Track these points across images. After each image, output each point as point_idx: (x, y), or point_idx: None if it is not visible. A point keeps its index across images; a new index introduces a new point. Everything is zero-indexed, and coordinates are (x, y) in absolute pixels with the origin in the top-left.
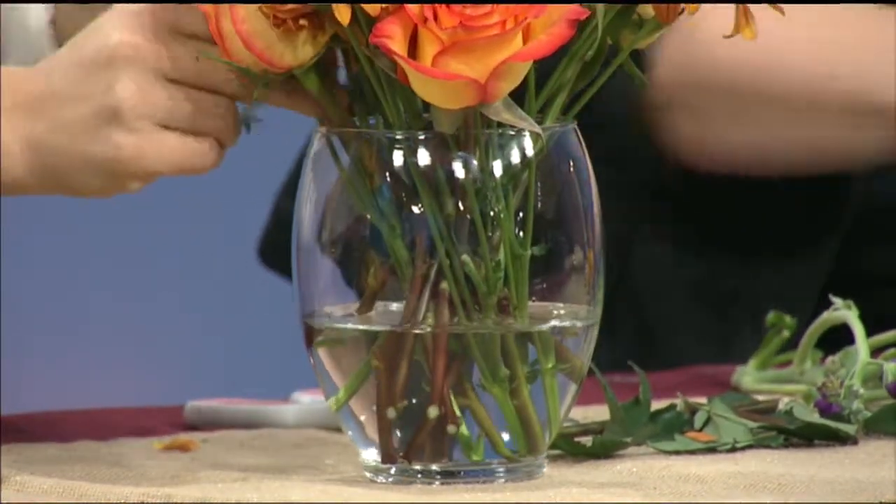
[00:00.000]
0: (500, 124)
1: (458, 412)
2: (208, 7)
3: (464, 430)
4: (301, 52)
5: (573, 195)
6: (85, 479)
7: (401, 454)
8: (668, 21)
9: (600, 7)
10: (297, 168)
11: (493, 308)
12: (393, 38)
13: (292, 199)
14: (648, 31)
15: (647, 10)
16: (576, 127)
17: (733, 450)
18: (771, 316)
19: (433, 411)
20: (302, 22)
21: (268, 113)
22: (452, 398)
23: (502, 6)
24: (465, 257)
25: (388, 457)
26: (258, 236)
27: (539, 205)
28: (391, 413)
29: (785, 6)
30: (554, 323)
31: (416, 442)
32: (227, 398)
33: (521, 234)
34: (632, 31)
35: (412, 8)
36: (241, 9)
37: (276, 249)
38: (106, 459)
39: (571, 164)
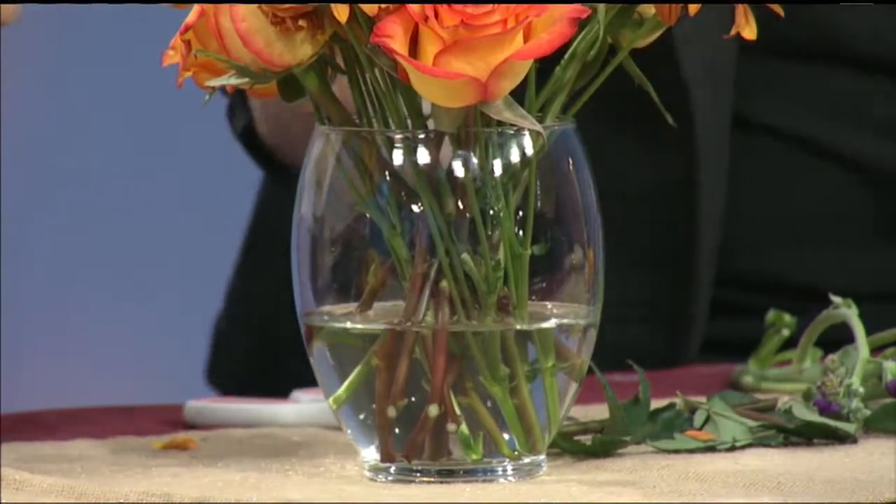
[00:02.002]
0: (499, 123)
1: (458, 411)
2: (208, 6)
3: (463, 428)
4: (300, 50)
5: (573, 194)
6: (84, 478)
7: (400, 453)
8: (671, 21)
9: (601, 7)
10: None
11: (492, 307)
12: (394, 37)
13: (230, 322)
14: (648, 29)
15: (648, 9)
16: (575, 126)
17: (733, 448)
18: (770, 315)
19: (433, 410)
20: (301, 23)
21: None
22: (453, 397)
23: (503, 5)
24: (465, 256)
25: (387, 456)
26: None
27: (539, 204)
28: (391, 412)
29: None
30: (554, 321)
31: (416, 441)
32: (227, 397)
33: (521, 232)
34: (632, 30)
35: (413, 7)
36: (241, 7)
37: (219, 372)
38: (105, 458)
39: (571, 162)
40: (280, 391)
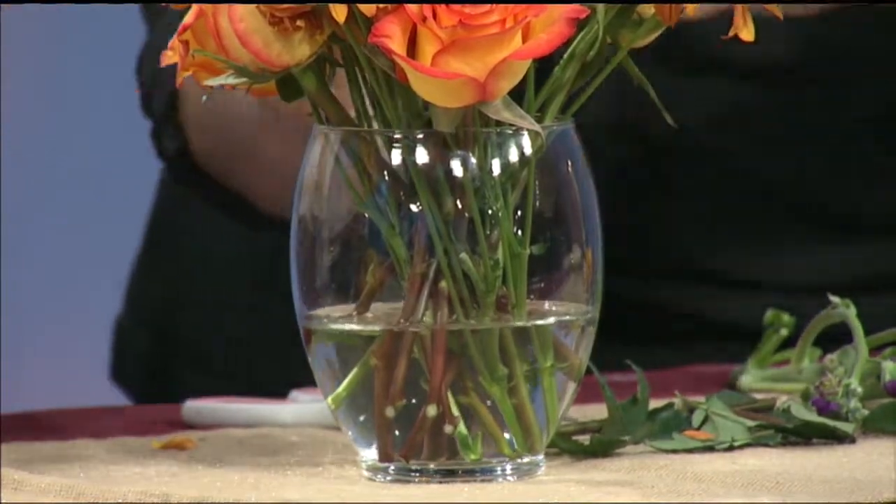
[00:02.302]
0: (498, 123)
1: (455, 412)
2: (206, 6)
3: (462, 428)
4: (298, 50)
5: (572, 194)
6: (83, 477)
7: (399, 453)
8: (671, 22)
9: (600, 7)
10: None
11: (491, 306)
12: (392, 37)
13: (133, 318)
14: (647, 29)
15: (647, 9)
16: (574, 125)
17: (731, 448)
18: (769, 314)
19: (432, 410)
20: (299, 23)
21: None
22: (451, 397)
23: (501, 6)
24: (464, 256)
25: (386, 456)
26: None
27: (538, 203)
28: (389, 412)
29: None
30: (552, 320)
31: (414, 441)
32: (225, 397)
33: (520, 232)
34: (631, 31)
35: (411, 7)
36: (239, 7)
37: (122, 371)
38: (104, 458)
39: (570, 162)
40: (180, 390)
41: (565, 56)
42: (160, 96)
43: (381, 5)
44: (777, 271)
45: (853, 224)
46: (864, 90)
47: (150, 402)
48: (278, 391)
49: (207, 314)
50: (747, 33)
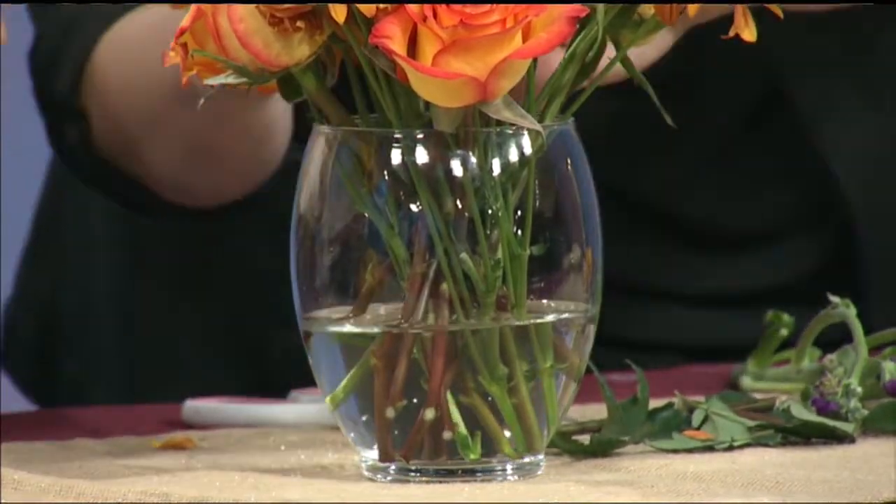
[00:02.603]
0: (498, 122)
1: (454, 415)
2: (206, 6)
3: (461, 429)
4: (298, 51)
5: (571, 193)
6: (82, 477)
7: (399, 453)
8: (671, 22)
9: (600, 7)
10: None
11: (491, 306)
12: (392, 38)
13: (21, 305)
14: (647, 29)
15: (647, 9)
16: (574, 125)
17: (731, 448)
18: (769, 315)
19: (430, 413)
20: (299, 24)
21: None
22: (450, 399)
23: (502, 5)
24: (464, 256)
25: (386, 456)
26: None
27: (537, 203)
28: (390, 413)
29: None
30: (551, 316)
31: (414, 441)
32: (225, 396)
33: (520, 232)
34: (631, 31)
35: (412, 7)
36: (239, 8)
37: (12, 358)
38: (103, 458)
39: (570, 162)
40: (65, 379)
41: (565, 56)
42: (61, 83)
43: (381, 6)
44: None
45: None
46: (716, 99)
47: (35, 389)
48: (166, 382)
49: (90, 302)
50: (749, 34)
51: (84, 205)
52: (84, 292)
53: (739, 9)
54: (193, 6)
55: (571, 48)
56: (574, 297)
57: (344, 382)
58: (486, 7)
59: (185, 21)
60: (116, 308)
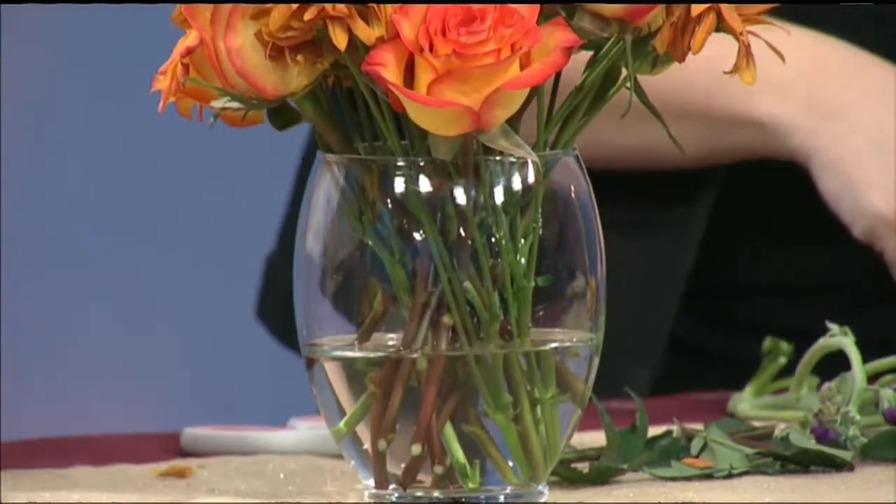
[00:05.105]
0: (501, 151)
1: (452, 446)
2: (205, 32)
3: (460, 457)
4: (295, 82)
5: (575, 222)
6: None
7: (398, 482)
8: (681, 59)
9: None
10: (286, 231)
11: (495, 335)
12: (385, 65)
13: (285, 259)
14: (660, 64)
15: (661, 44)
16: (577, 154)
17: (730, 476)
18: (767, 342)
19: (416, 449)
20: (299, 57)
21: (267, 139)
22: (451, 428)
23: (497, 35)
24: (468, 284)
25: (382, 485)
26: (255, 291)
27: (540, 232)
28: (381, 445)
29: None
30: (555, 345)
31: (410, 472)
32: (224, 425)
33: (523, 261)
34: (646, 64)
35: (407, 36)
36: (237, 40)
37: (272, 311)
38: (103, 486)
39: (573, 190)
40: None
41: (577, 86)
42: None
43: (378, 35)
44: None
45: None
46: None
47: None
48: None
49: None
50: (748, 76)
51: None
52: None
53: (742, 49)
54: (195, 30)
55: (583, 79)
56: (578, 326)
57: (349, 413)
58: (481, 37)
59: (191, 41)
60: None
